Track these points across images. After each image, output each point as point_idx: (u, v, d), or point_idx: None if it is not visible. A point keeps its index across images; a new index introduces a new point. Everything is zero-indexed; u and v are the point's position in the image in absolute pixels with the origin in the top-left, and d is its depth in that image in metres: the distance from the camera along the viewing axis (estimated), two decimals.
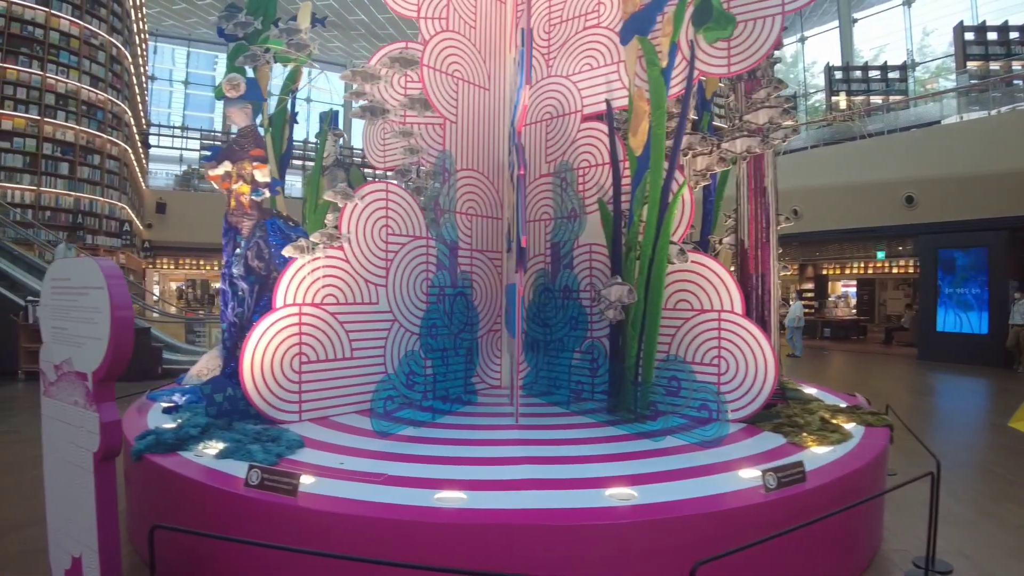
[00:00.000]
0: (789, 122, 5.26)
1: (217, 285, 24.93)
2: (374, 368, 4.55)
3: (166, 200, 19.78)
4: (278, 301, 4.09)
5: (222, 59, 26.97)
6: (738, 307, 4.38)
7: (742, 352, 4.29)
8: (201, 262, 23.05)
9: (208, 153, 5.23)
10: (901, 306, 18.61)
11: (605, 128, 5.08)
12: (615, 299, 4.44)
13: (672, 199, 4.41)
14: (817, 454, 3.39)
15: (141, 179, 19.20)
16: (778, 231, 5.18)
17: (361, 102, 5.77)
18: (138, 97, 17.97)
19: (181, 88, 26.70)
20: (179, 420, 3.83)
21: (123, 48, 15.63)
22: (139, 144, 18.05)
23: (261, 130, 6.54)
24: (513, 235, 4.55)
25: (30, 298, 9.60)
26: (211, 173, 5.04)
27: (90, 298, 2.37)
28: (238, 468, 2.91)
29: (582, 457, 3.41)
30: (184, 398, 4.53)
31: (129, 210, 16.16)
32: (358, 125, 32.14)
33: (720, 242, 5.96)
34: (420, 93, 5.69)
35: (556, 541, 2.42)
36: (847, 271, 20.80)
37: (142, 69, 18.78)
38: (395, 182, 5.02)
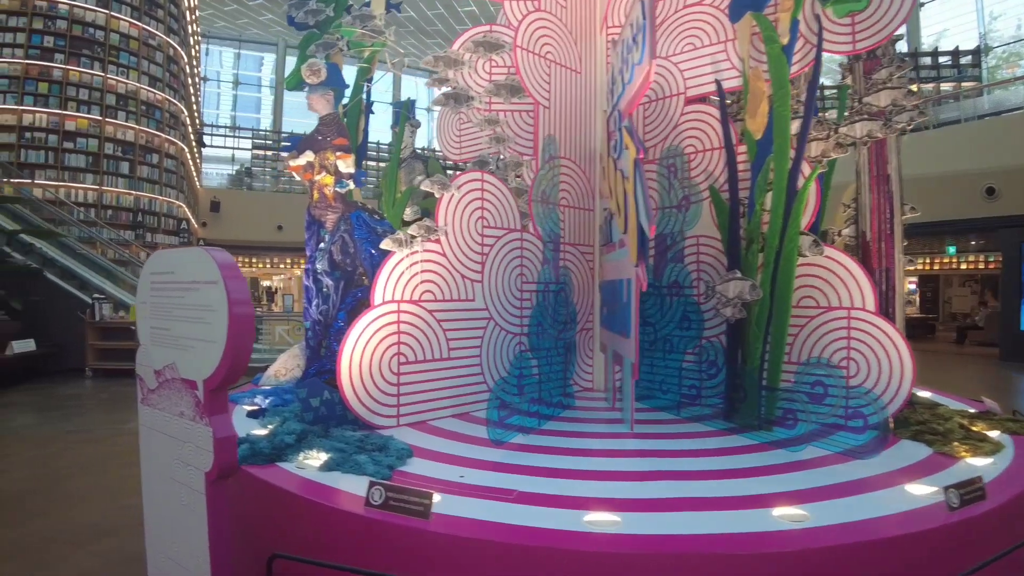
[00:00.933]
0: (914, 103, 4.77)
1: (266, 283, 25.23)
2: (470, 369, 4.20)
3: (220, 199, 19.95)
4: (376, 298, 3.75)
5: (268, 59, 27.23)
6: (870, 304, 3.95)
7: (875, 353, 3.84)
8: (253, 260, 23.26)
9: (287, 144, 4.93)
10: (968, 303, 17.49)
11: (713, 111, 4.72)
12: (734, 296, 4.04)
13: (803, 185, 3.98)
14: (977, 467, 2.96)
15: (196, 178, 19.41)
16: (903, 222, 4.72)
17: (444, 89, 5.44)
18: (192, 98, 18.14)
19: (228, 89, 27.03)
20: (270, 426, 3.51)
21: (179, 48, 15.76)
22: (193, 144, 18.21)
23: None
24: (623, 226, 4.09)
25: (96, 296, 9.62)
26: (292, 164, 4.75)
27: (200, 294, 2.03)
28: (349, 483, 2.59)
29: (723, 471, 2.98)
30: (268, 400, 4.24)
31: (186, 208, 16.30)
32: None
33: (839, 234, 5.46)
34: (506, 78, 5.31)
35: (735, 571, 2.02)
36: (908, 268, 19.65)
37: (195, 70, 18.96)
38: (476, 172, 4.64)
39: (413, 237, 3.93)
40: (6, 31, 12.90)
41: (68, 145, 13.21)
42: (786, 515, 2.29)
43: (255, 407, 4.20)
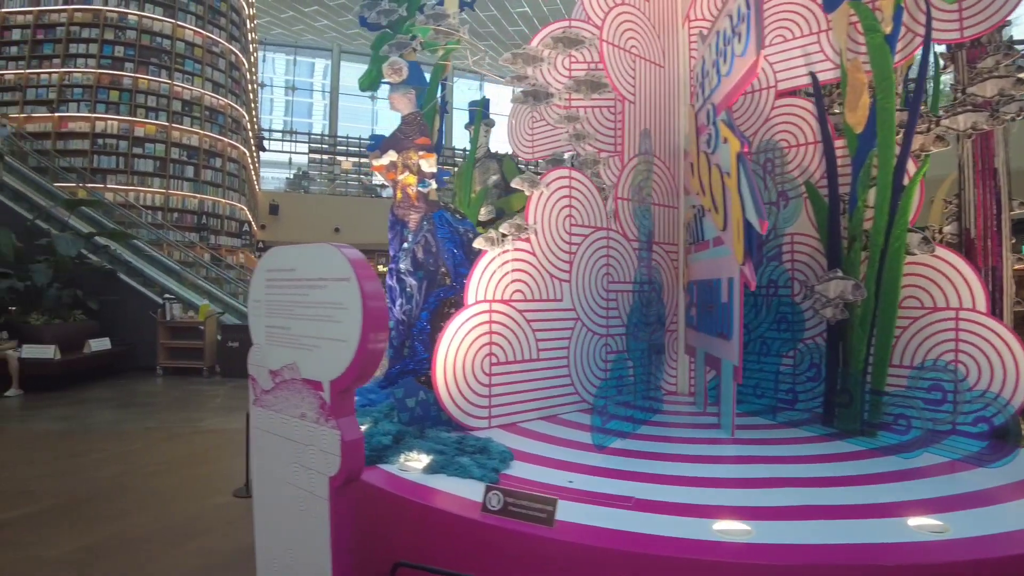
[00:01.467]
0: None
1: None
2: (558, 371, 4.05)
3: (279, 202, 20.38)
4: (470, 297, 3.63)
5: (319, 64, 27.72)
6: (981, 304, 3.68)
7: (986, 356, 3.58)
8: None
9: (371, 144, 4.88)
10: None
11: (806, 105, 4.52)
12: (834, 296, 3.82)
13: (912, 180, 3.74)
14: None
15: (256, 182, 19.88)
16: (1011, 218, 4.49)
17: (521, 87, 5.31)
18: (251, 103, 18.60)
19: (280, 94, 27.64)
20: (364, 426, 3.43)
21: (240, 55, 16.13)
22: (253, 148, 18.65)
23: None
24: (721, 223, 3.87)
25: (166, 296, 9.85)
26: (376, 163, 4.68)
27: (328, 292, 1.93)
28: (456, 486, 2.48)
29: (842, 478, 2.78)
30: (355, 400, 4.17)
31: (247, 211, 16.67)
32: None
33: (940, 231, 5.13)
34: (586, 74, 5.15)
35: None
36: (1017, 266, 18.51)
37: (253, 76, 19.44)
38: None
39: (504, 236, 3.80)
40: (80, 42, 13.45)
41: (137, 150, 13.68)
42: (923, 525, 2.12)
43: None
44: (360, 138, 25.65)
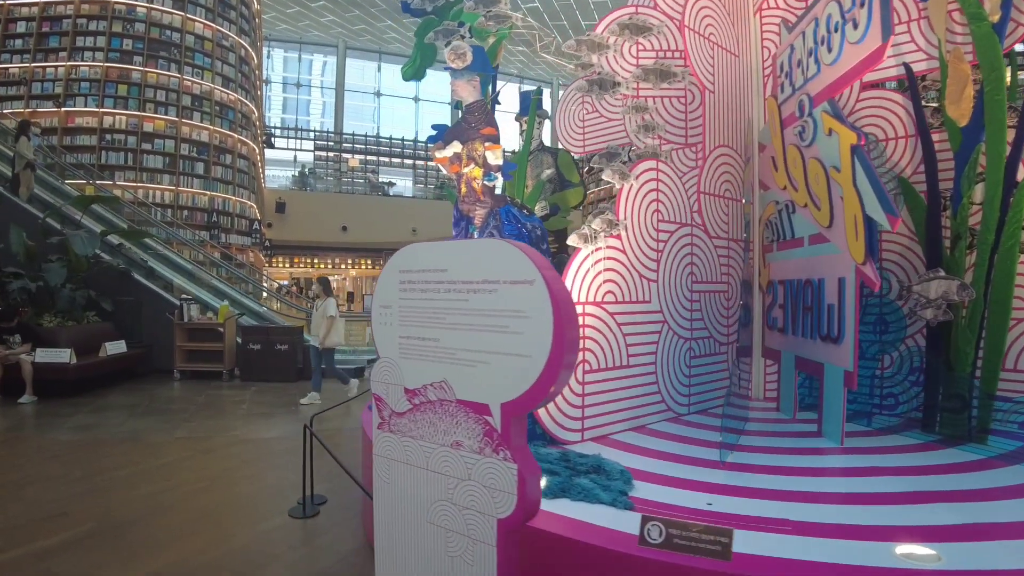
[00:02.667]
0: None
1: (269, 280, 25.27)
2: (646, 378, 3.75)
3: (285, 200, 19.98)
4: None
5: (318, 62, 27.21)
6: None
7: None
8: (315, 260, 23.30)
9: (433, 134, 4.53)
10: None
11: (895, 97, 4.31)
12: (936, 297, 3.58)
13: None
14: None
15: (262, 179, 19.50)
16: None
17: (579, 75, 5.00)
18: (259, 99, 18.21)
19: (279, 91, 27.11)
20: None
21: (250, 49, 15.75)
22: (262, 145, 18.24)
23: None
24: (826, 219, 3.56)
25: (184, 296, 9.48)
26: (439, 155, 4.34)
27: (501, 297, 1.61)
28: (582, 512, 2.21)
29: (993, 491, 2.60)
30: None
31: (256, 209, 16.29)
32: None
33: None
34: (654, 63, 4.83)
35: None
36: None
37: (258, 72, 19.05)
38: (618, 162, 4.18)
39: (596, 232, 3.48)
40: (87, 35, 13.04)
41: (146, 146, 13.28)
42: None
43: None
44: (366, 135, 25.26)
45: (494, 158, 4.26)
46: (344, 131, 25.13)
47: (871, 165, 3.28)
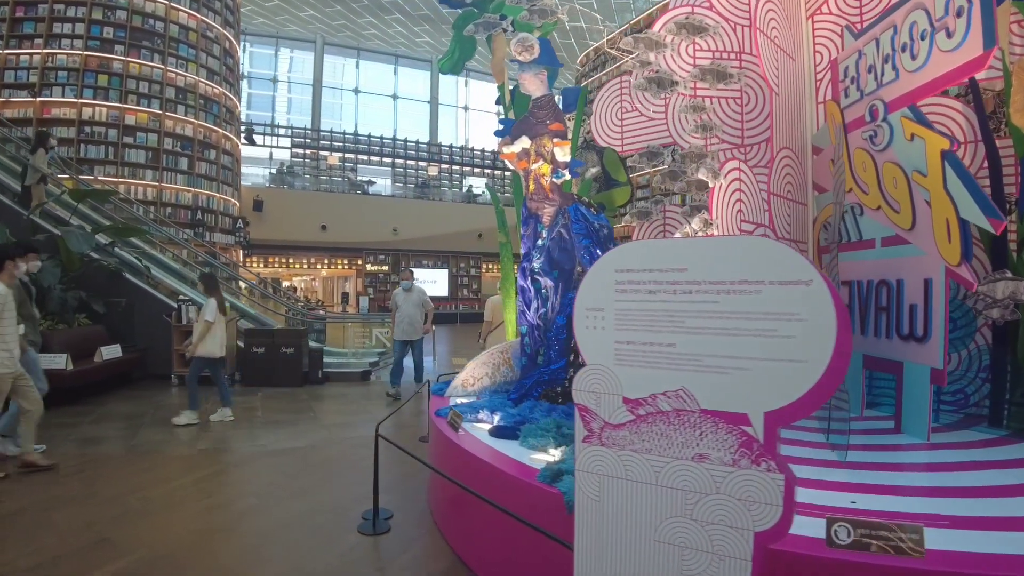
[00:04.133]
0: None
1: (287, 283, 24.68)
2: None
3: (263, 198, 19.41)
4: None
5: (284, 56, 26.48)
6: None
7: None
8: (290, 260, 22.71)
9: (500, 129, 4.41)
10: None
11: (956, 104, 4.34)
12: (1003, 296, 3.67)
13: None
14: None
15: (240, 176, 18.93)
16: None
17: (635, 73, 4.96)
18: (241, 94, 17.65)
19: (245, 86, 26.21)
20: (551, 450, 3.02)
21: (234, 42, 15.23)
22: (243, 141, 17.66)
23: (502, 108, 5.76)
24: (908, 221, 3.58)
25: (182, 298, 9.07)
26: (506, 150, 4.24)
27: (767, 299, 1.53)
28: None
29: None
30: (497, 416, 3.72)
31: (239, 207, 15.75)
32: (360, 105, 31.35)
33: None
34: (711, 63, 4.82)
35: None
36: None
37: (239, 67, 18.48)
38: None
39: (696, 232, 3.43)
40: (65, 21, 12.37)
41: (128, 140, 12.67)
42: None
43: (484, 423, 3.69)
44: (344, 133, 24.75)
45: (562, 154, 4.17)
46: (322, 128, 24.57)
47: (965, 169, 3.32)
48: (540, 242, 4.17)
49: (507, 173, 28.70)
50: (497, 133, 4.29)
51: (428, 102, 29.53)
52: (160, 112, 13.08)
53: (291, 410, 7.25)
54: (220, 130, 14.32)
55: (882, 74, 3.92)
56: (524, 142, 4.19)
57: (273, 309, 10.93)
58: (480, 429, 3.61)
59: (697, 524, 1.61)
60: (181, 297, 9.06)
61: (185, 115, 13.48)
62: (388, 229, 23.27)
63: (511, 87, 5.69)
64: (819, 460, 2.98)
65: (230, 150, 14.91)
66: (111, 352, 8.02)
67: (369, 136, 25.21)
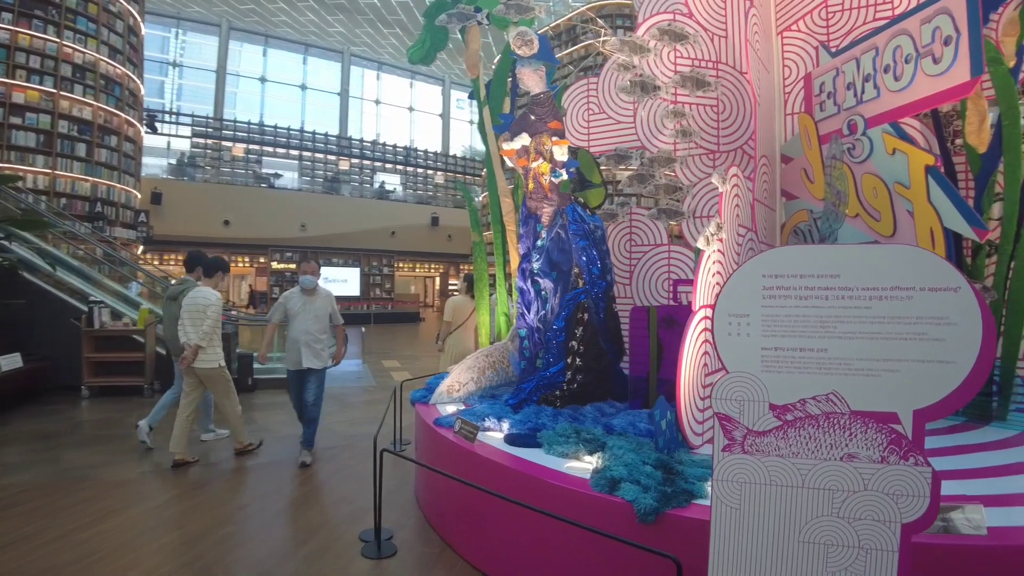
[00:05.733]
0: None
1: (174, 281, 23.05)
2: None
3: (162, 190, 17.89)
4: (697, 300, 3.29)
5: (194, 40, 24.67)
6: None
7: None
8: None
9: (500, 125, 4.32)
10: None
11: (914, 123, 4.69)
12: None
13: None
14: None
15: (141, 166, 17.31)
16: None
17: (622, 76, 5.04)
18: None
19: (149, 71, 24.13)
20: (584, 456, 2.99)
21: (139, 19, 13.88)
22: (144, 128, 16.16)
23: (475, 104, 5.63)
24: (888, 230, 3.85)
25: (93, 300, 8.17)
26: (506, 147, 4.16)
27: (916, 304, 1.60)
28: None
29: None
30: (504, 423, 3.62)
31: (140, 199, 14.39)
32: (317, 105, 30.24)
33: None
34: (691, 71, 4.98)
35: None
36: None
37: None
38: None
39: (713, 235, 3.50)
40: None
41: (15, 120, 11.19)
42: None
43: (493, 431, 3.57)
44: (249, 123, 23.34)
45: (560, 154, 4.15)
46: (225, 117, 23.03)
47: (948, 183, 3.64)
48: (539, 242, 4.11)
49: (420, 171, 28.30)
50: (496, 129, 4.19)
51: (339, 94, 28.51)
52: (54, 91, 11.67)
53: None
54: (122, 114, 13.00)
55: (862, 91, 4.21)
56: (524, 139, 4.12)
57: None
58: (491, 438, 3.49)
59: (844, 521, 1.65)
60: (93, 299, 8.15)
61: (84, 96, 12.11)
62: (296, 225, 22.24)
63: (486, 81, 5.59)
64: None
65: (133, 137, 13.58)
66: (11, 362, 7.08)
67: (276, 127, 23.95)
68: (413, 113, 31.43)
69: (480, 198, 23.16)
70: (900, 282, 1.59)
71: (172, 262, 20.64)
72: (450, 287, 30.30)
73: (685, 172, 5.39)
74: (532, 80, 4.19)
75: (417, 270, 29.32)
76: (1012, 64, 4.18)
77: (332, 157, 25.22)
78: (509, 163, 4.25)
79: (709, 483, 2.56)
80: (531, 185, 4.13)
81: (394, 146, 27.55)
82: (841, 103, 4.43)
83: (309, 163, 24.67)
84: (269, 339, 5.27)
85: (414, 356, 13.31)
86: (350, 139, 26.38)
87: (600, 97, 5.70)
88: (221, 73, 23.95)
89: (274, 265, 22.76)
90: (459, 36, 5.83)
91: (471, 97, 5.78)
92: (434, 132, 32.03)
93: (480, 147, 32.61)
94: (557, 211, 4.16)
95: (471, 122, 33.81)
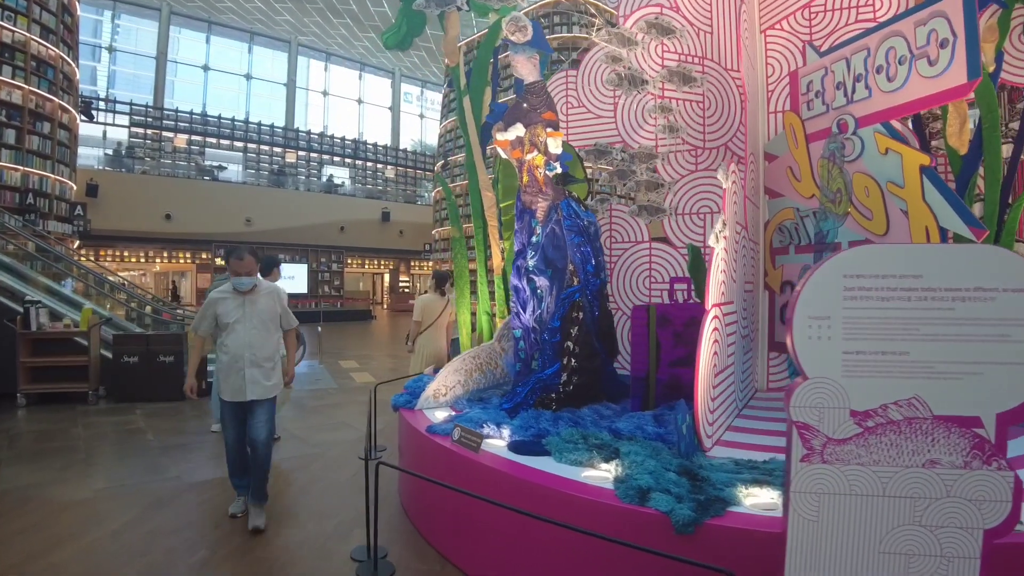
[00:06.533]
0: None
1: (117, 278, 21.84)
2: (732, 378, 3.83)
3: (98, 181, 16.81)
4: (711, 299, 3.21)
5: (130, 24, 23.32)
6: None
7: None
8: (125, 253, 19.95)
9: (491, 115, 4.15)
10: None
11: (897, 124, 4.80)
12: None
13: (1018, 199, 4.25)
14: None
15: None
16: None
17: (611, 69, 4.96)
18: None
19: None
20: (600, 464, 2.86)
21: None
22: (79, 116, 15.10)
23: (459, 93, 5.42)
24: (881, 228, 3.88)
25: (29, 298, 7.53)
26: (500, 137, 4.00)
27: (1000, 305, 1.56)
28: None
29: None
30: (504, 429, 3.45)
31: (76, 191, 13.43)
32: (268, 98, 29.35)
33: None
34: (678, 66, 4.94)
35: None
36: None
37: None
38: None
39: (719, 233, 3.43)
40: None
41: None
42: None
43: (493, 438, 3.40)
44: (191, 112, 22.23)
45: (555, 146, 4.02)
46: (165, 107, 21.87)
47: (944, 183, 3.69)
48: (534, 238, 3.97)
49: (369, 165, 27.68)
50: (488, 118, 4.02)
51: (285, 85, 27.56)
52: None
53: (186, 430, 6.22)
54: (56, 99, 12.07)
55: (853, 91, 4.24)
56: (518, 129, 3.97)
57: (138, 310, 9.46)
58: (492, 445, 3.31)
59: (926, 530, 1.59)
60: (28, 298, 7.51)
61: (13, 78, 11.16)
62: (241, 219, 21.38)
63: (467, 69, 5.40)
64: None
65: (67, 124, 12.65)
66: None
67: (219, 117, 22.92)
68: (362, 106, 30.70)
69: (432, 193, 22.83)
70: (983, 283, 1.54)
71: (108, 258, 19.48)
72: (401, 284, 29.78)
73: (667, 168, 5.36)
74: (526, 68, 4.03)
75: (367, 266, 28.69)
76: (992, 69, 4.31)
77: (278, 149, 24.35)
78: (503, 154, 4.08)
79: (739, 489, 2.48)
80: (525, 178, 3.98)
81: (343, 139, 26.84)
82: (830, 102, 4.47)
83: (254, 155, 23.75)
84: (195, 363, 3.88)
85: (370, 356, 12.96)
86: (297, 131, 25.54)
87: (580, 90, 5.61)
88: (161, 60, 22.73)
89: (218, 261, 21.79)
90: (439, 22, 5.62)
91: (450, 85, 5.58)
92: (383, 125, 31.39)
93: (430, 142, 32.20)
94: (552, 206, 4.02)
95: (421, 116, 33.32)
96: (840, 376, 1.65)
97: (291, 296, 25.02)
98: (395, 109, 31.64)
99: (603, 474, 2.80)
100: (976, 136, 4.29)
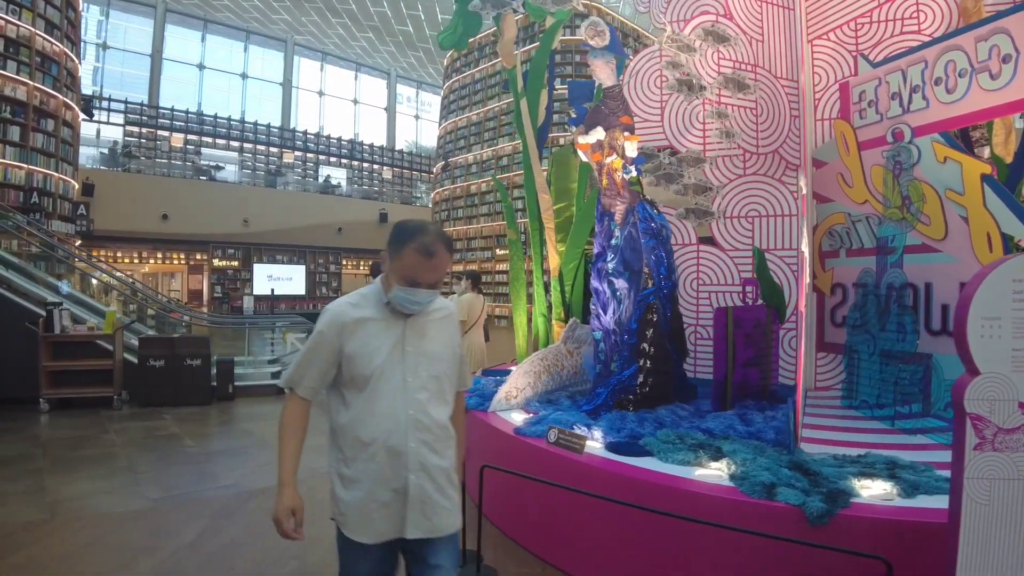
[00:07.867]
0: None
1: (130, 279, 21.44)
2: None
3: (94, 181, 16.50)
4: (804, 301, 3.27)
5: (122, 22, 22.91)
6: None
7: None
8: (119, 254, 19.60)
9: (574, 117, 4.19)
10: None
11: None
12: None
13: None
14: None
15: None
16: None
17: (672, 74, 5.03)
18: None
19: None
20: (709, 463, 2.91)
21: None
22: (80, 114, 14.78)
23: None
24: (939, 233, 3.98)
25: (51, 302, 7.36)
26: (582, 141, 4.04)
27: None
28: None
29: None
30: (596, 432, 3.48)
31: (78, 189, 13.16)
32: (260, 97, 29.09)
33: None
34: (733, 72, 5.02)
35: None
36: None
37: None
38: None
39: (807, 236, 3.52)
40: None
41: None
42: None
43: (590, 439, 3.42)
44: (187, 111, 21.94)
45: (631, 150, 4.07)
46: (161, 105, 21.55)
47: (1006, 190, 3.82)
48: (614, 241, 4.02)
49: (365, 166, 27.54)
50: (571, 121, 4.07)
51: (281, 84, 27.33)
52: None
53: (223, 435, 6.16)
54: (60, 96, 11.83)
55: (909, 101, 4.35)
56: (599, 133, 4.02)
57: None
58: (589, 446, 3.33)
59: None
60: (52, 301, 7.35)
61: (17, 74, 10.92)
62: (238, 220, 21.14)
63: (523, 71, 5.43)
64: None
65: (70, 121, 12.41)
66: None
67: (215, 117, 22.66)
68: (358, 106, 30.56)
69: (432, 195, 22.78)
70: None
71: (101, 259, 19.08)
72: None
73: (715, 172, 5.45)
74: (604, 72, 4.09)
75: (362, 268, 28.51)
76: None
77: (275, 149, 24.13)
78: (583, 157, 4.12)
79: (852, 482, 2.55)
80: (604, 181, 4.03)
81: (339, 139, 26.68)
82: (884, 111, 4.58)
83: (250, 155, 23.51)
84: (290, 457, 1.83)
85: None
86: (293, 131, 25.34)
87: (627, 94, 5.67)
88: (156, 58, 22.41)
89: (216, 263, 21.53)
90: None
91: (505, 87, 5.62)
92: (379, 126, 31.26)
93: (426, 144, 32.12)
94: (629, 209, 4.07)
95: (416, 117, 33.25)
96: (1010, 371, 1.76)
97: (289, 298, 24.74)
98: (391, 110, 31.55)
99: (715, 472, 2.84)
100: (1021, 145, 4.43)
